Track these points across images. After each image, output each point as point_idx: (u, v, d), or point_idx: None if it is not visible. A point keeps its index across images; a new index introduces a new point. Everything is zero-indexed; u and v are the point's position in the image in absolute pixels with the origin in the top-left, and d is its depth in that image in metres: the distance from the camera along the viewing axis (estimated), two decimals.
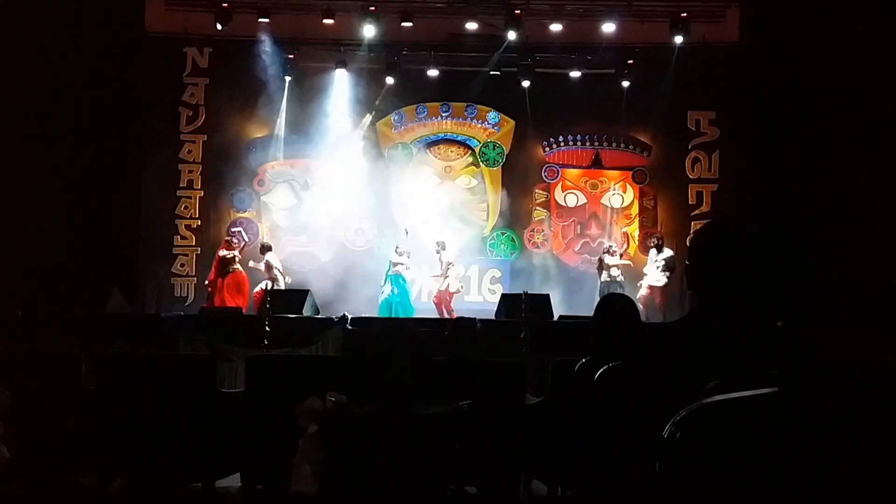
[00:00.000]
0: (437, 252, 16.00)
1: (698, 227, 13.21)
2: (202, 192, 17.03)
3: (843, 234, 13.96)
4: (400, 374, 4.57)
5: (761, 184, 15.88)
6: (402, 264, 15.62)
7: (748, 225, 2.23)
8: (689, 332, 2.20)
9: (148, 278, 16.51)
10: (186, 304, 16.35)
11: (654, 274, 15.64)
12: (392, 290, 15.33)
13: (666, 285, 15.51)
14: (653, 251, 15.92)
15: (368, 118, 17.21)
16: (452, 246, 16.65)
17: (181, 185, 16.98)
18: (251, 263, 15.51)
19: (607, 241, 16.53)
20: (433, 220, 17.03)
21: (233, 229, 16.19)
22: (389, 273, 15.55)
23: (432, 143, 17.46)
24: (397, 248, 15.85)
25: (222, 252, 15.18)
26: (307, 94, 16.95)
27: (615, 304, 4.73)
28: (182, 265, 16.84)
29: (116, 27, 15.73)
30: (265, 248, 15.49)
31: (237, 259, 15.20)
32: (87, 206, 14.94)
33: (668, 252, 15.71)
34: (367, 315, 13.71)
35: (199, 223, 16.98)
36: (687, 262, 2.27)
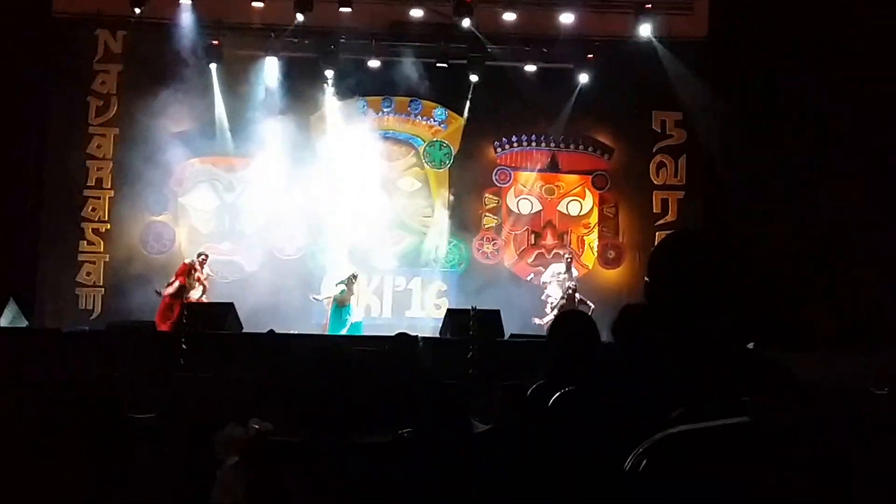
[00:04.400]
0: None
1: (663, 237, 13.15)
2: (112, 191, 16.81)
3: (819, 248, 14.19)
4: (331, 399, 4.53)
5: (731, 191, 16.09)
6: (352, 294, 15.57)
7: (713, 236, 2.26)
8: (651, 353, 2.23)
9: (49, 288, 16.25)
10: (92, 317, 16.11)
11: (555, 290, 15.68)
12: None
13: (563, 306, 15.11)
14: (559, 266, 15.89)
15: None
16: (390, 255, 16.87)
17: (89, 184, 16.75)
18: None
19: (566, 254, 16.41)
20: (371, 228, 16.99)
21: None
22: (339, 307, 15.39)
23: (372, 142, 17.32)
24: (351, 279, 15.60)
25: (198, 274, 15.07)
26: (233, 84, 16.85)
27: (573, 322, 4.72)
28: (88, 274, 16.58)
29: (20, 7, 15.47)
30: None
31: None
32: None
33: (574, 273, 15.85)
34: (296, 332, 13.61)
35: (109, 227, 16.75)
36: (646, 278, 2.24)
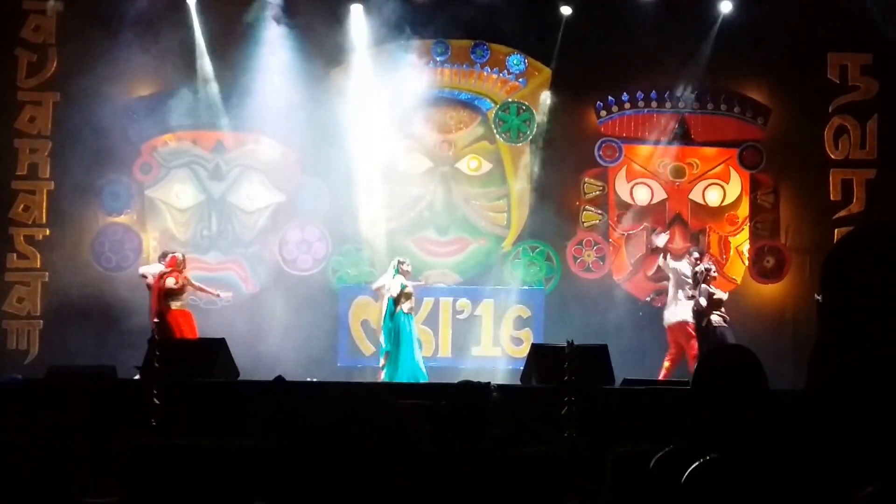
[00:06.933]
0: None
1: (843, 236, 12.95)
2: (52, 183, 17.01)
3: None
4: (368, 473, 4.44)
5: None
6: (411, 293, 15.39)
7: None
8: (832, 409, 2.16)
9: None
10: (27, 361, 16.31)
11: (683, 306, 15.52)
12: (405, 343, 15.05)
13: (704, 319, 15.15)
14: (679, 263, 15.79)
15: None
16: (448, 268, 17.10)
17: (19, 173, 16.99)
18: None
19: (705, 262, 16.13)
20: (420, 229, 17.19)
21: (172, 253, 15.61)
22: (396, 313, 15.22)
23: (419, 106, 17.31)
24: (402, 262, 15.40)
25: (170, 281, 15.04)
26: (221, 27, 16.99)
27: (729, 361, 4.61)
28: (20, 300, 16.81)
29: None
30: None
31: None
32: None
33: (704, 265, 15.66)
34: (318, 378, 13.68)
35: (48, 233, 16.93)
36: (819, 298, 2.24)
